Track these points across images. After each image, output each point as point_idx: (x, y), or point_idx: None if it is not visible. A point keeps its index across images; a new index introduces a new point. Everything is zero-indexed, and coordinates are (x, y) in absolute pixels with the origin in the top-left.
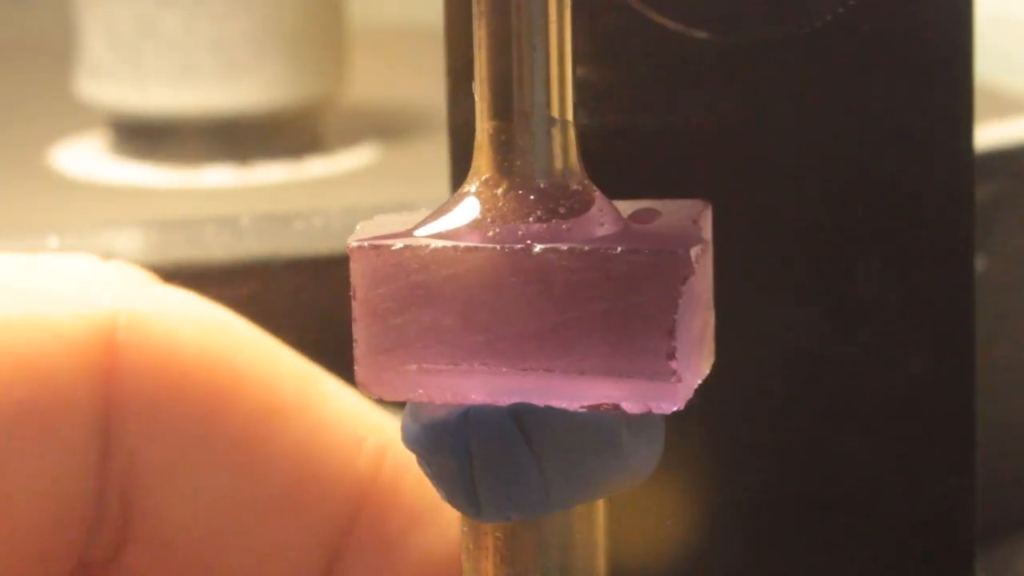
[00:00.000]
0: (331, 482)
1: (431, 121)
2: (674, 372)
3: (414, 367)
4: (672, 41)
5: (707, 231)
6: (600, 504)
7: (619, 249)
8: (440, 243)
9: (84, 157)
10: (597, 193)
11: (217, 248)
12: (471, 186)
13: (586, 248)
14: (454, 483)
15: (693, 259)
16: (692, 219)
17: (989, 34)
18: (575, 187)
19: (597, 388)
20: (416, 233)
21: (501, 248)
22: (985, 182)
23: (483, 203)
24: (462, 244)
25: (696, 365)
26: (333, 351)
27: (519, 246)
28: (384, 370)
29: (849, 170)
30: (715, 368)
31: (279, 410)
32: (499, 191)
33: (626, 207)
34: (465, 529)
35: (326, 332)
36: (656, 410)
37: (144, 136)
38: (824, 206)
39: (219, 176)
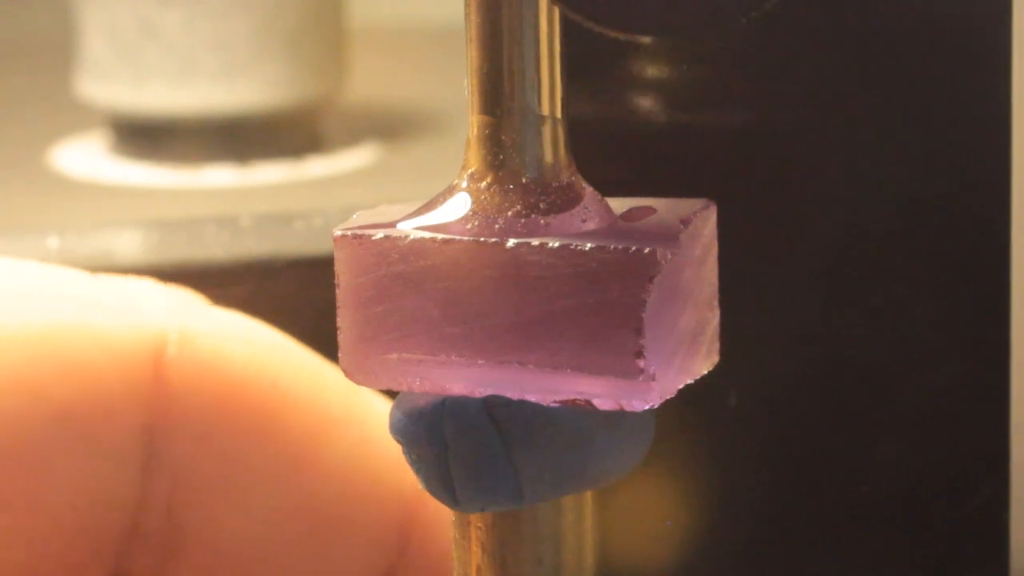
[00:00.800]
0: (381, 498)
1: (431, 121)
2: (642, 371)
3: (395, 356)
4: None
5: (702, 230)
6: (586, 497)
7: (588, 246)
8: (419, 234)
9: (84, 157)
10: (587, 189)
11: (217, 248)
12: (460, 180)
13: (557, 244)
14: (432, 473)
15: (660, 258)
16: (682, 218)
17: None
18: (561, 183)
19: (570, 384)
20: (400, 224)
21: (476, 241)
22: None
23: (468, 197)
24: (440, 236)
25: (679, 364)
26: (333, 351)
27: (493, 240)
28: (366, 358)
29: (888, 175)
30: (753, 371)
31: (326, 427)
32: (483, 185)
33: (624, 204)
34: (453, 519)
35: (326, 332)
36: (628, 408)
37: (144, 136)
38: (863, 210)
39: (219, 176)
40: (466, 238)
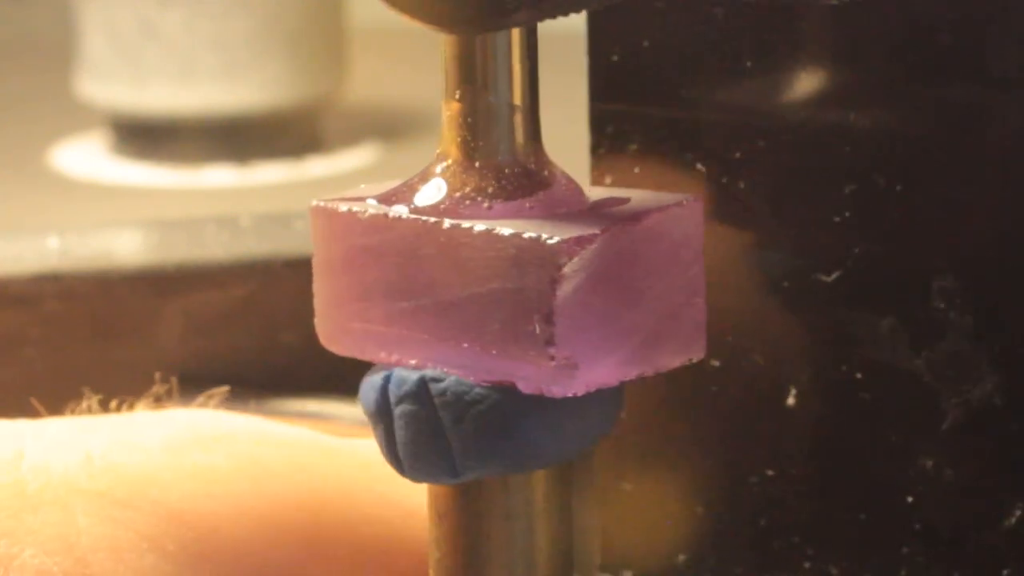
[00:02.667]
0: None
1: (431, 121)
2: (552, 358)
3: (358, 326)
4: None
5: (670, 225)
6: (539, 477)
7: (507, 232)
8: (375, 209)
9: (84, 157)
10: (558, 177)
11: (217, 248)
12: (433, 161)
13: (482, 228)
14: (383, 441)
15: (568, 249)
16: (640, 211)
17: None
18: (518, 169)
19: (496, 365)
20: (369, 200)
21: (418, 219)
22: None
23: (433, 178)
24: (392, 212)
25: (625, 356)
26: (332, 351)
27: (433, 219)
28: (336, 325)
29: (930, 187)
30: (810, 373)
31: None
32: (444, 166)
33: (603, 193)
34: (427, 487)
35: None
36: (548, 393)
37: (144, 136)
38: (905, 220)
39: (219, 176)
40: (411, 216)
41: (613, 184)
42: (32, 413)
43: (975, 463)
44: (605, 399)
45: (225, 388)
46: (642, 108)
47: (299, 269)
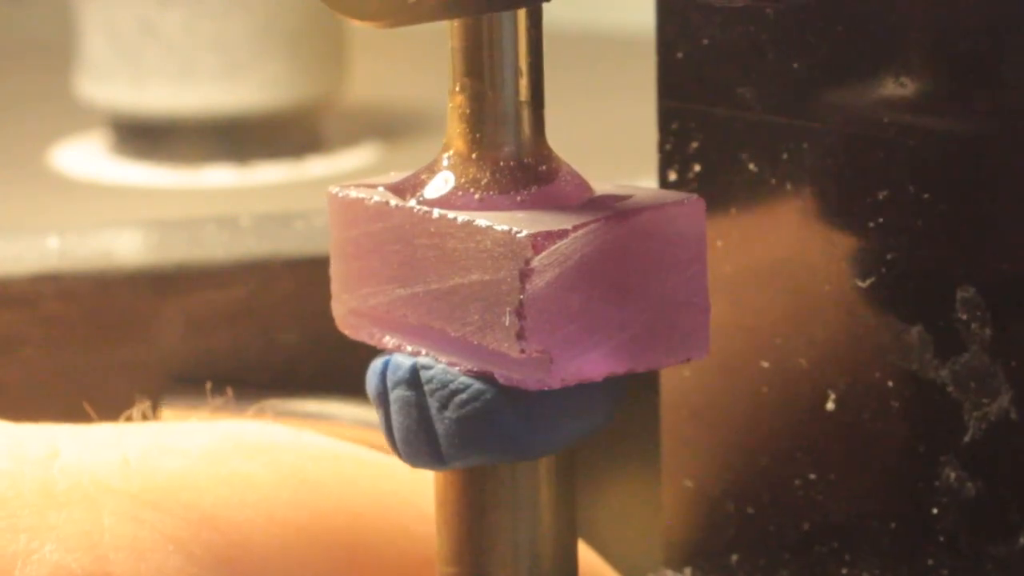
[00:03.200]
0: None
1: (431, 121)
2: (523, 351)
3: (365, 310)
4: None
5: (665, 223)
6: (526, 469)
7: (484, 224)
8: (379, 198)
9: (84, 157)
10: (562, 172)
11: (217, 248)
12: (441, 152)
13: (464, 219)
14: (383, 423)
15: (536, 244)
16: (630, 208)
17: None
18: (515, 162)
19: (478, 356)
20: (379, 188)
21: (411, 208)
22: None
23: (438, 169)
24: (393, 201)
25: (608, 352)
26: (333, 351)
27: (425, 210)
28: (346, 307)
29: (954, 196)
30: (835, 378)
31: None
32: (445, 156)
33: (611, 189)
34: (434, 474)
35: (326, 332)
36: (524, 386)
37: (144, 136)
38: (932, 228)
39: (219, 176)
40: (406, 205)
41: (677, 182)
42: (32, 413)
43: (993, 477)
44: (590, 394)
45: (276, 401)
46: (702, 106)
47: (299, 269)
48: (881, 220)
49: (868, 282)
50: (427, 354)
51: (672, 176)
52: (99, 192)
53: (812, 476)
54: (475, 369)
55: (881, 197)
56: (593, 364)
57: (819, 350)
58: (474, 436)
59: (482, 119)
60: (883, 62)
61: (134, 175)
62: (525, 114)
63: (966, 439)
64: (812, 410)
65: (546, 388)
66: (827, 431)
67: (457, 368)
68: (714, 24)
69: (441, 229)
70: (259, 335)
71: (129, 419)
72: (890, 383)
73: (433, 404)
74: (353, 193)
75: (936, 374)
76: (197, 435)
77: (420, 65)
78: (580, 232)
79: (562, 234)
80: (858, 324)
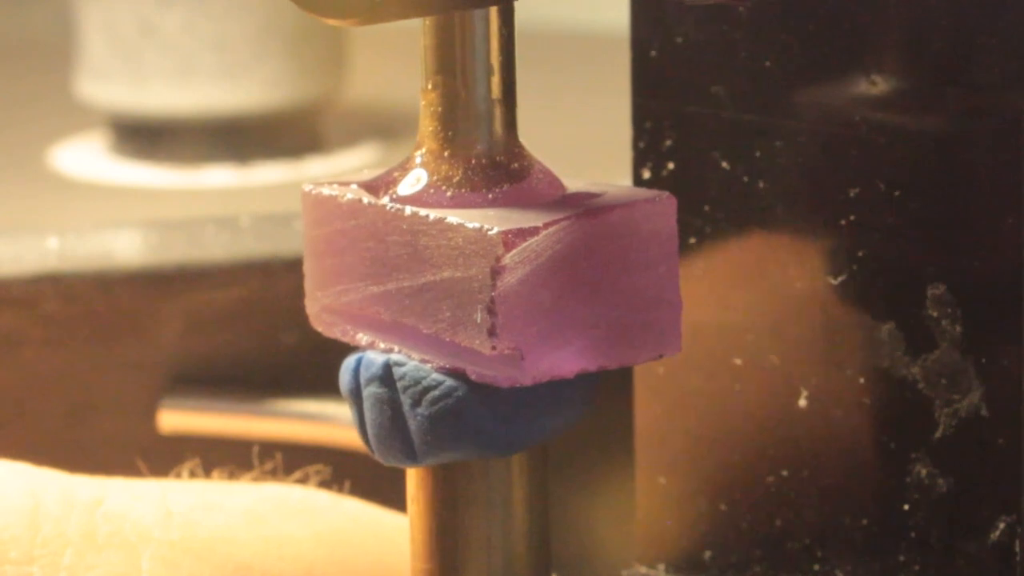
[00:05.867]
0: None
1: None
2: (494, 347)
3: (338, 307)
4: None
5: (640, 220)
6: (499, 466)
7: (455, 221)
8: (351, 195)
9: (84, 157)
10: (535, 169)
11: (217, 248)
12: (413, 150)
13: (436, 216)
14: (356, 422)
15: (505, 241)
16: (603, 205)
17: None
18: (487, 160)
19: (450, 353)
20: (352, 185)
21: (383, 206)
22: None
23: (411, 167)
24: (365, 199)
25: (580, 349)
26: (333, 351)
27: (397, 207)
28: (320, 305)
29: (925, 193)
30: (807, 374)
31: None
32: (418, 154)
33: (582, 186)
34: (407, 475)
35: None
36: (495, 383)
37: (144, 136)
38: (902, 225)
39: (219, 176)
40: (378, 202)
41: (651, 180)
42: (32, 413)
43: (963, 474)
44: (562, 391)
45: (277, 401)
46: (676, 104)
47: (299, 269)
48: (852, 217)
49: (840, 279)
50: (400, 351)
51: (646, 174)
52: (99, 192)
53: (785, 473)
54: (447, 366)
55: (852, 195)
56: (565, 361)
57: (791, 347)
58: (446, 433)
59: (454, 117)
60: (855, 60)
61: (134, 175)
62: (497, 112)
63: (937, 435)
64: (785, 407)
65: (517, 385)
66: (799, 428)
67: (430, 365)
68: (688, 22)
69: (413, 226)
70: (259, 335)
71: (178, 475)
72: (861, 380)
73: (406, 401)
74: (326, 191)
75: (907, 371)
76: (240, 495)
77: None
78: (551, 229)
79: (533, 231)
80: (830, 321)
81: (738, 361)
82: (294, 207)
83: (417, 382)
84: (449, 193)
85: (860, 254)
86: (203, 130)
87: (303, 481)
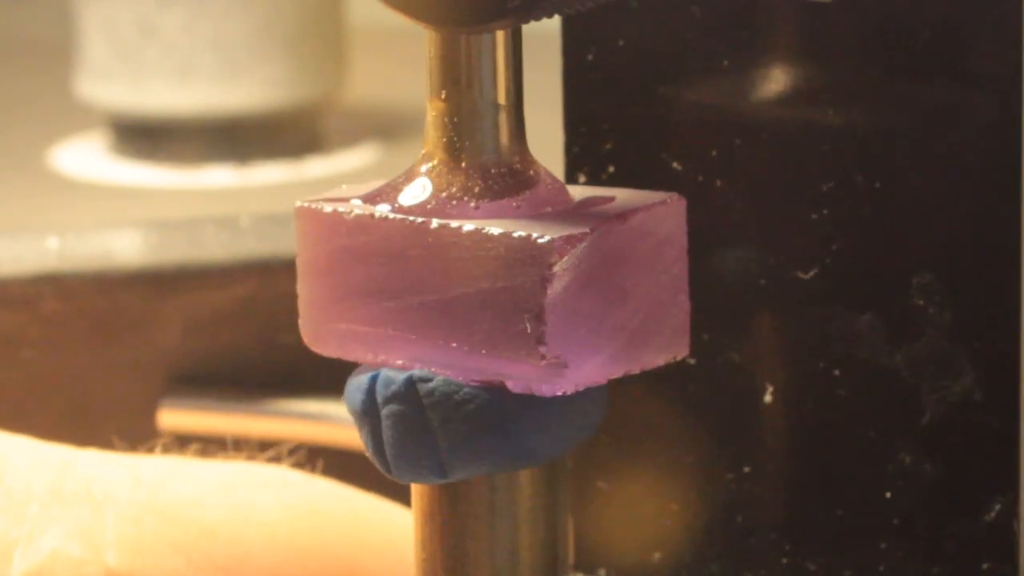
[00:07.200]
0: None
1: None
2: (543, 356)
3: (343, 326)
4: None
5: (655, 224)
6: (525, 477)
7: (497, 232)
8: (361, 210)
9: (84, 157)
10: (543, 176)
11: (217, 249)
12: (418, 162)
13: (471, 227)
14: (370, 442)
15: (558, 249)
16: (627, 209)
17: None
18: (504, 168)
19: (485, 365)
20: (353, 200)
21: (405, 220)
22: None
23: (419, 178)
24: (378, 213)
25: (612, 354)
26: None
27: (421, 219)
28: (319, 326)
29: (904, 185)
30: (786, 372)
31: None
32: (430, 166)
33: (585, 192)
34: (412, 491)
35: None
36: (538, 392)
37: (144, 136)
38: (884, 217)
39: (219, 176)
40: (398, 216)
41: (587, 183)
42: (32, 412)
43: (954, 458)
44: (592, 397)
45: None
46: (617, 107)
47: None
48: (825, 212)
49: (811, 273)
50: (420, 367)
51: (582, 178)
52: (99, 192)
53: (747, 469)
54: (479, 379)
55: (825, 188)
56: (600, 367)
57: (754, 344)
58: (484, 447)
59: (469, 127)
60: (823, 54)
61: (134, 175)
62: (508, 119)
63: (923, 422)
64: (747, 404)
65: (559, 393)
66: (764, 424)
67: (460, 379)
68: (630, 25)
69: (441, 239)
70: (259, 335)
71: (151, 450)
72: (836, 372)
73: (435, 417)
74: (327, 207)
75: (889, 360)
76: (212, 468)
77: (420, 65)
78: (595, 235)
79: (581, 237)
80: (799, 316)
81: (691, 361)
82: (294, 207)
83: (448, 397)
84: (473, 204)
85: (834, 247)
86: (203, 130)
87: (275, 460)
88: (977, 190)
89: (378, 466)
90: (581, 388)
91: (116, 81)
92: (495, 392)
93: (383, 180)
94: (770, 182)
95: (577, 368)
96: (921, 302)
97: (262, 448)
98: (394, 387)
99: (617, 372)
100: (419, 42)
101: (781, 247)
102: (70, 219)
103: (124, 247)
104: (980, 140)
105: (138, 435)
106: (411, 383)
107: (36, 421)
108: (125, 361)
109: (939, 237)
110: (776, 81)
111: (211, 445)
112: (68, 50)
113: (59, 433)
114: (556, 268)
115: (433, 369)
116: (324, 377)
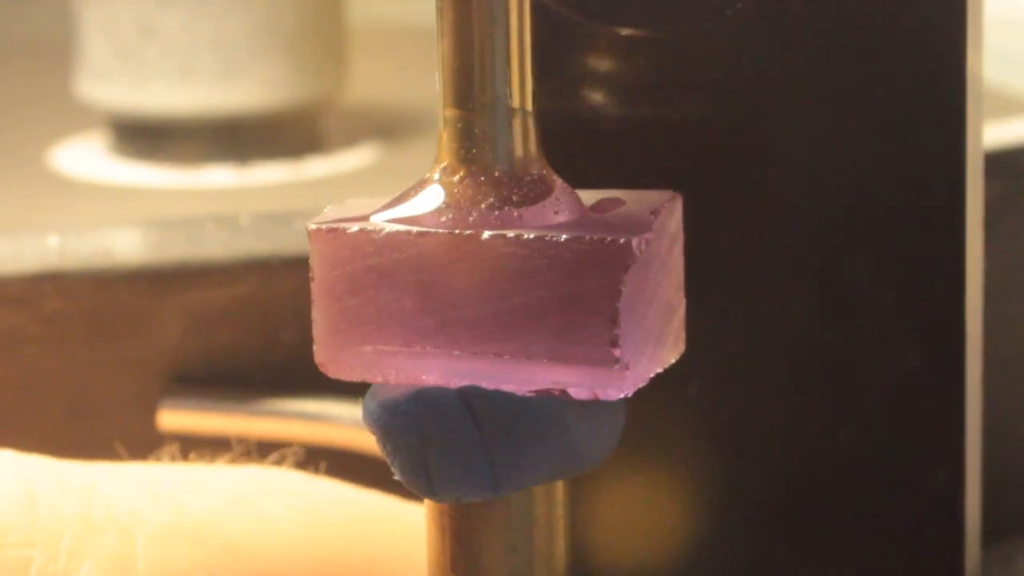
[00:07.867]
0: None
1: (431, 121)
2: (617, 359)
3: (370, 348)
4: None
5: (669, 222)
6: (558, 487)
7: (563, 237)
8: (394, 227)
9: (84, 157)
10: (558, 181)
11: (217, 248)
12: (432, 173)
13: (532, 236)
14: (407, 463)
15: (635, 248)
16: (651, 209)
17: (996, 37)
18: (532, 175)
19: (545, 373)
20: (373, 218)
21: (451, 233)
22: (988, 183)
23: (441, 190)
24: (415, 229)
25: (651, 353)
26: None
27: (468, 232)
28: (341, 350)
29: (844, 162)
30: (713, 360)
31: None
32: (455, 178)
33: (592, 196)
34: (426, 510)
35: None
36: (603, 396)
37: (144, 136)
38: (817, 196)
39: (219, 176)
40: (441, 231)
41: None
42: (33, 412)
43: (898, 434)
44: (621, 400)
45: (277, 400)
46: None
47: (299, 268)
48: (757, 202)
49: (736, 260)
50: (459, 382)
51: None
52: (99, 192)
53: (670, 465)
54: (530, 389)
55: (756, 178)
56: (647, 367)
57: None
58: (544, 458)
59: (490, 134)
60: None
61: (134, 175)
62: (529, 124)
63: (862, 399)
64: (670, 397)
65: (623, 395)
66: (689, 416)
67: (510, 390)
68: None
69: (494, 250)
70: (259, 335)
71: (158, 459)
72: (767, 356)
73: (492, 432)
74: (350, 228)
75: (826, 337)
76: (223, 477)
77: (420, 65)
78: (650, 236)
79: (647, 239)
80: (726, 304)
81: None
82: (294, 207)
83: (505, 410)
84: (516, 213)
85: (771, 235)
86: (203, 130)
87: (279, 462)
88: (918, 169)
89: (413, 488)
90: (635, 389)
91: (116, 81)
92: (554, 401)
93: (379, 192)
94: (695, 175)
95: (635, 369)
96: (859, 279)
97: (264, 449)
98: (444, 406)
99: (653, 371)
100: (419, 42)
101: (706, 239)
102: (70, 219)
103: (124, 245)
104: (921, 122)
105: (138, 432)
106: (462, 399)
107: (36, 419)
108: (125, 358)
109: (876, 215)
110: (703, 75)
111: (214, 445)
112: (68, 50)
113: (59, 431)
114: (631, 270)
115: (480, 383)
116: (324, 377)
